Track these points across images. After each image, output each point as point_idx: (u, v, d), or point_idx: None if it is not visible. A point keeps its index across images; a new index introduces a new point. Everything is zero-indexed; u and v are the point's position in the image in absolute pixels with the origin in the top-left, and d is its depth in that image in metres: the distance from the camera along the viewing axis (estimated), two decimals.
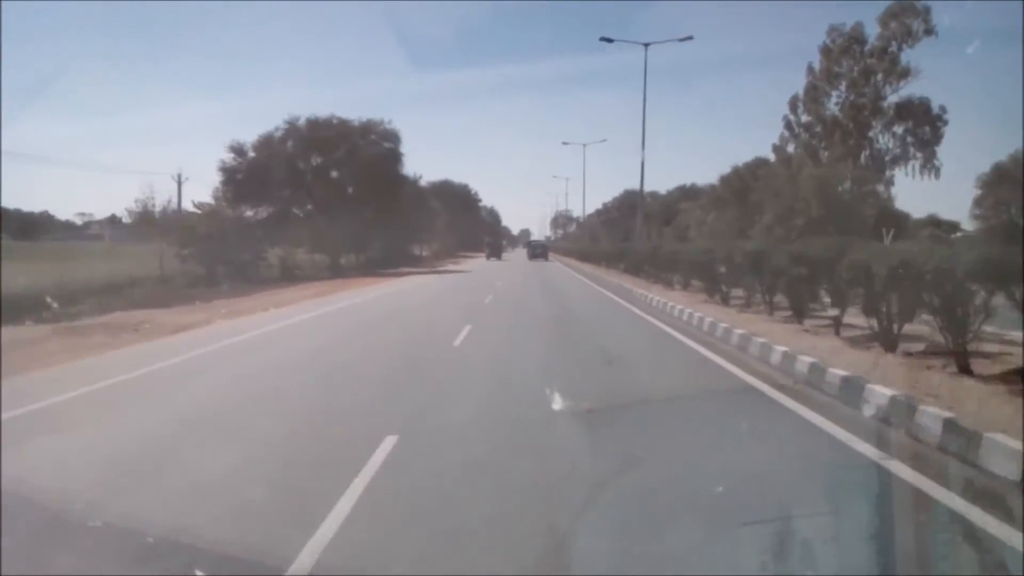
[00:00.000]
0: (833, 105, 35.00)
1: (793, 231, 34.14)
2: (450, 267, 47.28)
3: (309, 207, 39.45)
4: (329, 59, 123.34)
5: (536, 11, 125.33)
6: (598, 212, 75.35)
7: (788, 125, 36.37)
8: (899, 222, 34.09)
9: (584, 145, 61.87)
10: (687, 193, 61.39)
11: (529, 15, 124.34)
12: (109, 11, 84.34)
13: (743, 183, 39.69)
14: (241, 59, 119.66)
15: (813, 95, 35.34)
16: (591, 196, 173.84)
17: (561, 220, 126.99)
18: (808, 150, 35.17)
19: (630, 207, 78.43)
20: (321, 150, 38.37)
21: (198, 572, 3.41)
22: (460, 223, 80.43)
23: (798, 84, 36.51)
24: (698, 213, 48.12)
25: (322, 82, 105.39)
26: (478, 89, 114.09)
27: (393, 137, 42.56)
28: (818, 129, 35.60)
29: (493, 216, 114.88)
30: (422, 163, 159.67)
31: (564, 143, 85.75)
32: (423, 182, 58.40)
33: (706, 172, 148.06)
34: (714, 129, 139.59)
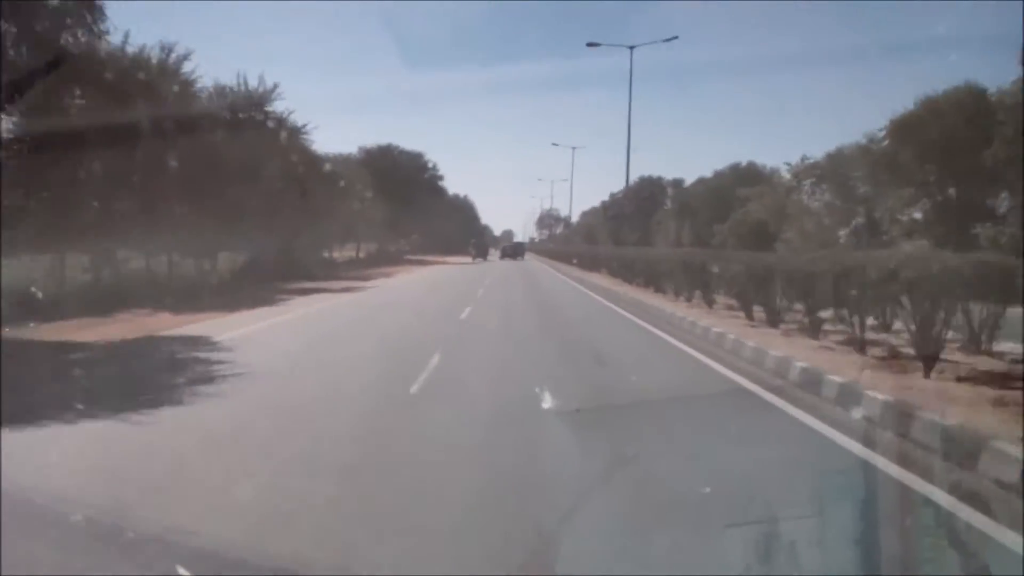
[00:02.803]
0: None
1: None
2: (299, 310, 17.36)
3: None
4: (326, 58, 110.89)
5: (529, 12, 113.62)
6: (604, 206, 55.50)
7: None
8: None
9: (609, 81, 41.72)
10: (743, 176, 40.76)
11: (521, 16, 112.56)
12: None
13: (948, 126, 19.25)
14: (237, 59, 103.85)
15: None
16: (582, 194, 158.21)
17: (548, 220, 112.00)
18: None
19: (648, 199, 58.42)
20: None
21: (181, 571, 3.30)
22: (420, 215, 57.81)
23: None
24: (801, 200, 27.44)
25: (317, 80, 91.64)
26: (465, 89, 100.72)
27: None
28: None
29: (468, 208, 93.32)
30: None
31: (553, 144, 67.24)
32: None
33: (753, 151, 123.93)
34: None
